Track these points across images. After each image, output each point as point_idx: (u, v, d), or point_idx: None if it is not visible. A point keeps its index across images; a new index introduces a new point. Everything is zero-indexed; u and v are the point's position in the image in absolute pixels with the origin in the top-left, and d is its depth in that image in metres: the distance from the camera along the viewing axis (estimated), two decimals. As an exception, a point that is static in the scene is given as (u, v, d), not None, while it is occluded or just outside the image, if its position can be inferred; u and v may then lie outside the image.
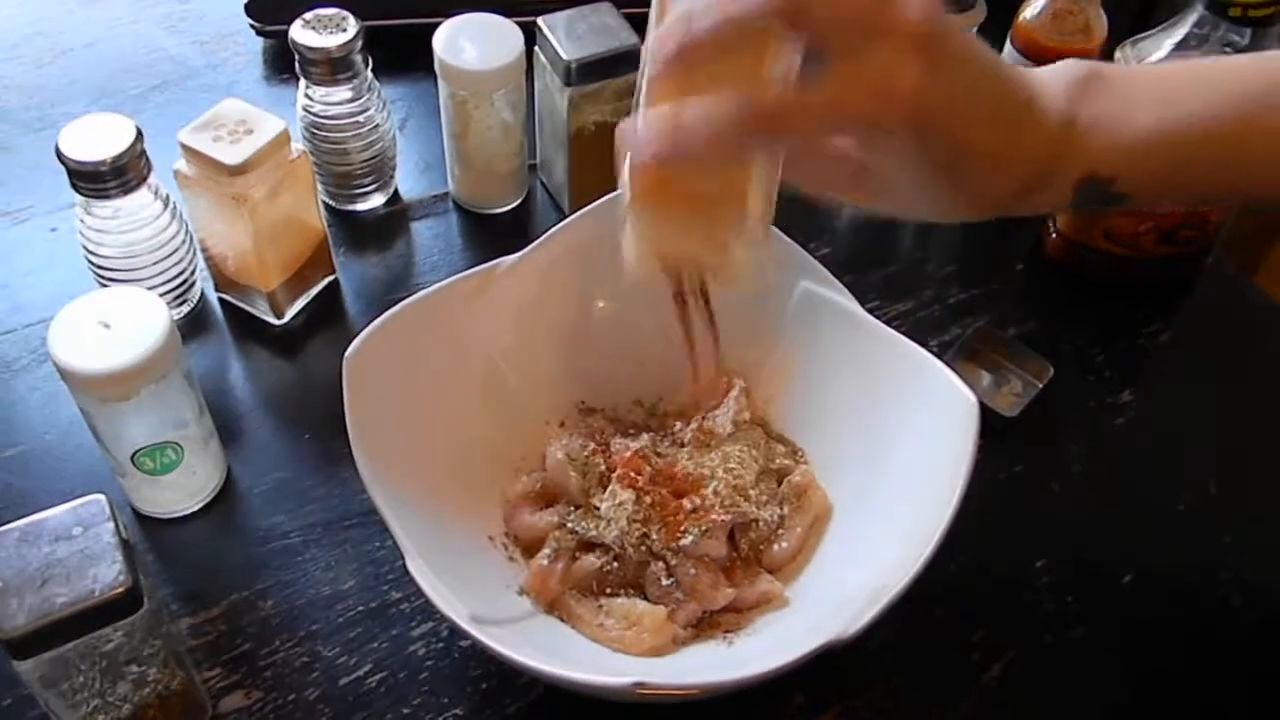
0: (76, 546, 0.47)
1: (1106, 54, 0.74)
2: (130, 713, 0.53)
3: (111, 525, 0.48)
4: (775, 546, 0.60)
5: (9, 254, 0.76)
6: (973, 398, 0.55)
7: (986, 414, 0.57)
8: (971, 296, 0.78)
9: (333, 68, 0.72)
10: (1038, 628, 0.62)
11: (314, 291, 0.74)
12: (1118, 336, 0.76)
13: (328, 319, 0.74)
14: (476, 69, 0.72)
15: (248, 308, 0.73)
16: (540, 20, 0.73)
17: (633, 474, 0.59)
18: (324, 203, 0.78)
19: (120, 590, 0.47)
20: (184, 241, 0.70)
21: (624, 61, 0.72)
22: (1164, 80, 0.50)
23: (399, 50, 0.81)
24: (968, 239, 0.82)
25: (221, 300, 0.74)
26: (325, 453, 0.67)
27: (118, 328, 0.56)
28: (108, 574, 0.47)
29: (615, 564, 0.58)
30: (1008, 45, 0.77)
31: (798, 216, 0.82)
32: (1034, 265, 0.80)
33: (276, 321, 0.73)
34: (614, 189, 0.64)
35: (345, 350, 0.55)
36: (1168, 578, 0.65)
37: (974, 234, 0.82)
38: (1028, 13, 0.75)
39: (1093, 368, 0.74)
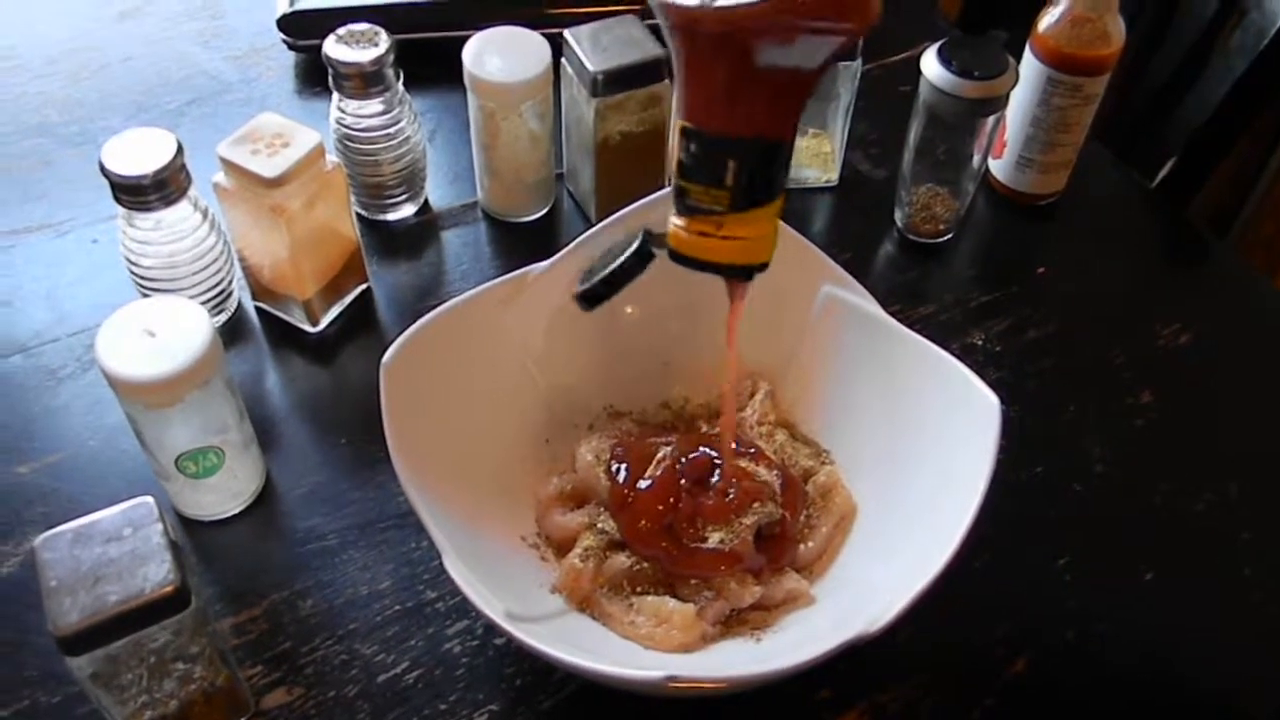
0: (127, 547, 0.49)
1: (1127, 60, 0.76)
2: (176, 709, 0.54)
3: (160, 526, 0.50)
4: (802, 546, 0.61)
5: (52, 265, 0.78)
6: (994, 398, 0.56)
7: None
8: (993, 300, 0.79)
9: (365, 81, 0.73)
10: (1061, 624, 0.63)
11: (348, 299, 0.76)
12: (1138, 339, 0.77)
13: (361, 326, 0.76)
14: (504, 80, 0.73)
15: (284, 316, 0.75)
16: (567, 32, 0.74)
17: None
18: (356, 213, 0.79)
19: (169, 589, 0.48)
20: (222, 252, 0.72)
21: (649, 72, 0.74)
22: None
23: (429, 64, 0.83)
24: (989, 244, 0.83)
25: (258, 309, 0.76)
26: (361, 457, 0.68)
27: (162, 336, 0.58)
28: (157, 573, 0.49)
29: (645, 563, 0.60)
30: (1028, 54, 0.78)
31: (822, 226, 0.84)
32: (1055, 269, 0.82)
33: (312, 329, 0.75)
34: (638, 196, 0.66)
35: (379, 356, 0.57)
36: (1189, 575, 0.66)
37: (995, 238, 0.84)
38: (1045, 22, 0.76)
39: (1113, 369, 0.75)
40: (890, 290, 0.78)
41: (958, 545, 0.53)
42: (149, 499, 0.51)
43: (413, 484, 0.54)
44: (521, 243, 0.82)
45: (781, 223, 0.65)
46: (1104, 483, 0.70)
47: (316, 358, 0.75)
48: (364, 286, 0.77)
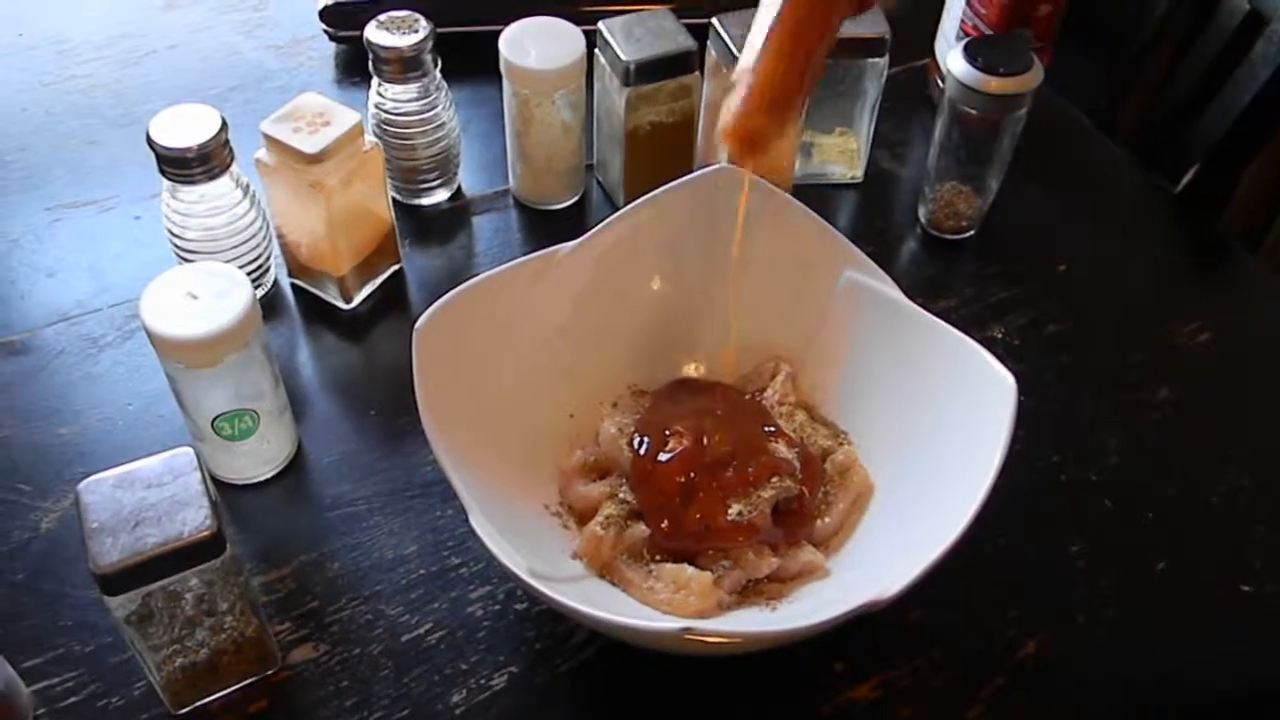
0: (167, 493, 0.51)
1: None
2: (207, 657, 0.56)
3: (199, 475, 0.52)
4: (818, 522, 0.63)
5: (96, 239, 0.80)
6: (1011, 380, 0.57)
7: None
8: (1013, 295, 0.80)
9: (404, 66, 0.76)
10: (1071, 608, 0.64)
11: (381, 279, 0.78)
12: (1157, 337, 0.78)
13: (393, 305, 0.78)
14: (539, 68, 0.75)
15: (318, 292, 0.77)
16: (601, 23, 0.76)
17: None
18: (391, 196, 0.81)
19: (206, 534, 0.50)
20: (261, 228, 0.74)
21: (680, 63, 0.76)
22: None
23: (465, 58, 0.85)
24: (1012, 241, 0.84)
25: (294, 286, 0.78)
26: (390, 429, 0.70)
27: (204, 299, 0.60)
28: (195, 518, 0.50)
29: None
30: None
31: (846, 222, 0.86)
32: (1075, 266, 0.83)
33: (345, 306, 0.76)
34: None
35: (409, 335, 0.58)
36: (1201, 564, 0.67)
37: (1016, 237, 0.85)
38: None
39: (1131, 366, 0.76)
40: (912, 284, 0.78)
41: (972, 518, 0.54)
42: (188, 449, 0.53)
43: (441, 444, 0.56)
44: (551, 230, 0.83)
45: (804, 207, 0.67)
46: (1119, 474, 0.71)
47: (349, 334, 0.76)
48: (396, 267, 0.79)
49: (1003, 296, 0.80)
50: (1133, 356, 0.77)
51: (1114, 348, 0.77)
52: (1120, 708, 0.61)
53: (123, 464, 0.52)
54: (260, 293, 0.77)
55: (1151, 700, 0.62)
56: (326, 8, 0.93)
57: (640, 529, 0.61)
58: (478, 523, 0.54)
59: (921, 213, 0.84)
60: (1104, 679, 0.62)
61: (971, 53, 0.74)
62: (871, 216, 0.86)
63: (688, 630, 0.48)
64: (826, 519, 0.62)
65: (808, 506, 0.62)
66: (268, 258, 0.76)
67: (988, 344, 0.75)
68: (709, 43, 0.78)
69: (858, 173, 0.87)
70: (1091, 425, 0.73)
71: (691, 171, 0.69)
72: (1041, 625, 0.63)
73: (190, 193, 0.69)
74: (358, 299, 0.77)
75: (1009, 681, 0.61)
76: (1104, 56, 1.07)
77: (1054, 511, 0.69)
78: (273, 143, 0.69)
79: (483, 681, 0.59)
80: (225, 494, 0.66)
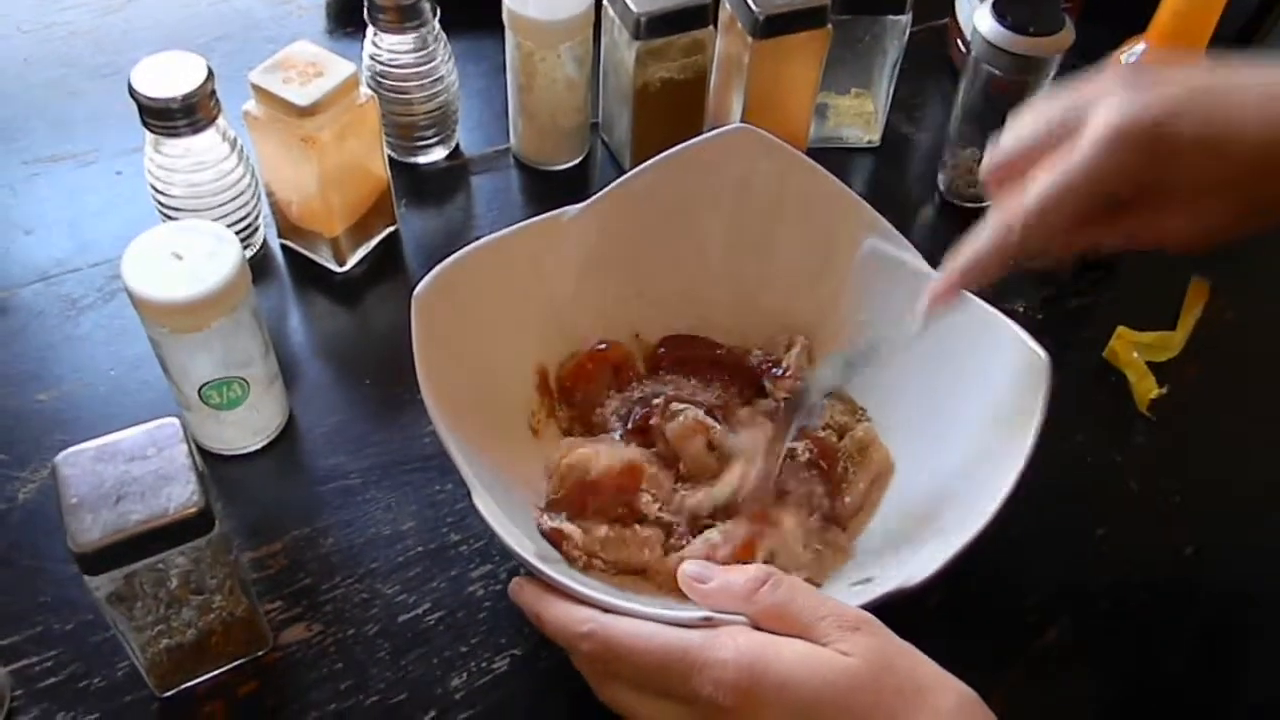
0: (151, 466, 0.48)
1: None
2: (194, 638, 0.53)
3: (185, 448, 0.48)
4: (838, 501, 0.60)
5: (76, 195, 0.76)
6: (1044, 355, 0.55)
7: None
8: (1036, 268, 0.77)
9: (401, 15, 0.72)
10: (1096, 594, 0.62)
11: (375, 240, 0.75)
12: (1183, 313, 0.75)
13: (388, 269, 0.74)
14: (544, 19, 0.72)
15: (310, 254, 0.73)
16: (611, -27, 0.73)
17: None
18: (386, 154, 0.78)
19: (193, 510, 0.47)
20: (249, 185, 0.70)
21: (692, 17, 0.72)
22: None
23: (464, 6, 0.81)
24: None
25: (284, 247, 0.74)
26: (385, 398, 0.67)
27: (190, 259, 0.56)
28: (181, 494, 0.47)
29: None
30: None
31: (863, 187, 0.82)
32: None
33: (338, 269, 0.73)
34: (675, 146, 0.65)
35: (405, 299, 0.55)
36: (1230, 549, 0.64)
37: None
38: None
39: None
40: (931, 253, 0.76)
41: (1000, 504, 0.51)
42: (174, 420, 0.49)
43: (441, 417, 0.53)
44: (553, 191, 0.80)
45: (826, 172, 0.64)
46: (1144, 454, 0.68)
47: (342, 298, 0.73)
48: (392, 228, 0.76)
49: (1025, 269, 0.77)
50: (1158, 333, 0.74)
51: (1142, 326, 0.74)
52: (1144, 694, 0.59)
53: (104, 434, 0.49)
54: (249, 254, 0.73)
55: (1177, 687, 0.59)
56: (319, -46, 0.89)
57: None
58: (482, 502, 0.51)
59: (941, 179, 0.81)
60: (1128, 665, 0.59)
61: (1000, 10, 0.70)
62: (888, 182, 0.83)
63: (708, 619, 0.45)
64: (846, 498, 0.60)
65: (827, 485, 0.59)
66: (256, 217, 0.72)
67: (1009, 317, 0.73)
68: (723, -4, 0.74)
69: (874, 136, 0.84)
70: (1116, 403, 0.70)
71: (702, 132, 0.65)
72: (1064, 610, 0.61)
73: (174, 146, 0.65)
74: (351, 261, 0.73)
75: (1029, 667, 0.59)
76: (1124, 27, 1.04)
77: (1080, 492, 0.66)
78: (262, 94, 0.65)
79: (484, 664, 0.57)
80: (212, 466, 0.63)
